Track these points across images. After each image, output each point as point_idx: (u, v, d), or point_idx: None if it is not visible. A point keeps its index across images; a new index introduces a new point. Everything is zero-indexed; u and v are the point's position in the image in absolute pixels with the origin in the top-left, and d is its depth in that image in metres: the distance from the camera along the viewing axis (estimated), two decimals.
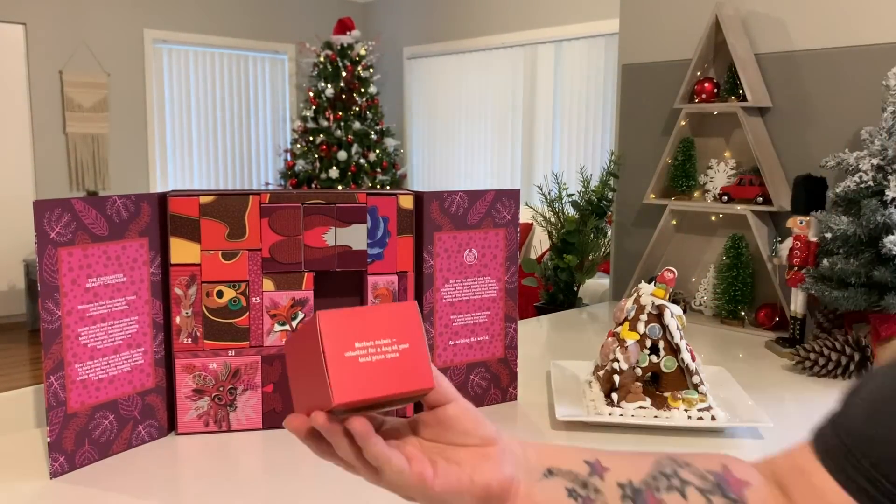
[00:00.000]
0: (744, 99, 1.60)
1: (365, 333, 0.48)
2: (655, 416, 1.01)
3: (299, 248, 0.99)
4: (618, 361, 1.03)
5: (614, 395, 1.03)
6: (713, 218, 1.74)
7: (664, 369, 1.04)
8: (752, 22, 1.64)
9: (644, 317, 1.04)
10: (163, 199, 0.96)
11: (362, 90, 5.78)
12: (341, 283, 1.04)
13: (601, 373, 1.09)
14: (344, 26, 5.80)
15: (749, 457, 0.94)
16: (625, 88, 1.89)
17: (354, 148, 5.70)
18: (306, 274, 1.00)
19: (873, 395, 0.45)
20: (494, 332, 1.12)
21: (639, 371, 1.04)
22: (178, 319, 0.96)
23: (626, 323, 1.05)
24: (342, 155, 5.63)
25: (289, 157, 6.01)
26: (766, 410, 1.10)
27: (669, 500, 0.48)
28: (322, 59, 5.81)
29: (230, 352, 0.98)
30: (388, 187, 5.86)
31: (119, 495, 0.80)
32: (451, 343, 1.09)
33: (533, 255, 4.91)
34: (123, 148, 5.57)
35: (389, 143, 5.87)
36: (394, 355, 0.48)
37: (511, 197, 1.10)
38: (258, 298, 0.98)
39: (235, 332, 0.98)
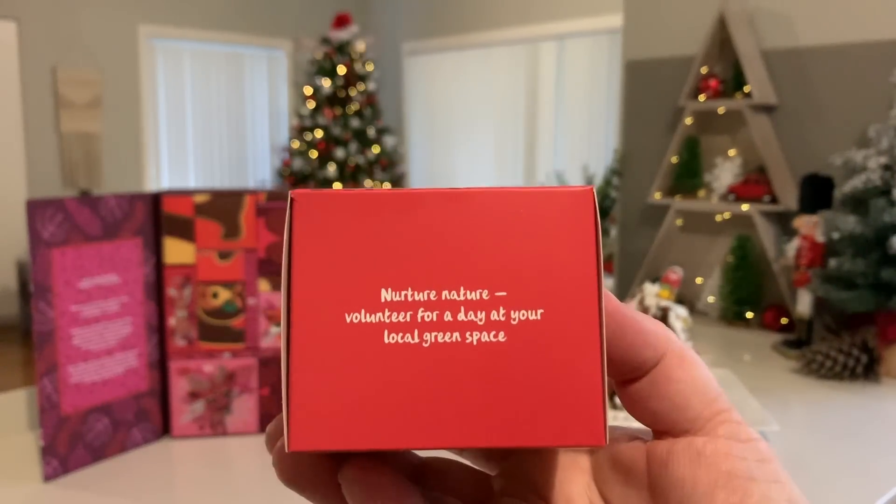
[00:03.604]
0: (749, 96, 1.58)
1: (416, 265, 0.19)
2: None
3: None
4: None
5: (618, 398, 1.01)
6: (718, 218, 1.72)
7: None
8: (759, 17, 1.62)
9: None
10: (157, 198, 0.93)
11: (360, 87, 5.75)
12: None
13: None
14: (342, 21, 5.77)
15: None
16: (628, 85, 1.87)
17: (354, 146, 5.67)
18: None
19: None
20: None
21: None
22: (172, 321, 0.94)
23: None
24: (340, 153, 5.60)
25: (286, 156, 5.98)
26: (773, 413, 1.08)
27: None
28: (320, 55, 5.78)
29: (226, 354, 0.96)
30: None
31: (113, 499, 0.79)
32: None
33: None
34: (117, 146, 5.53)
35: (388, 141, 5.84)
36: (491, 339, 0.19)
37: None
38: (254, 299, 0.96)
39: (231, 334, 0.96)
